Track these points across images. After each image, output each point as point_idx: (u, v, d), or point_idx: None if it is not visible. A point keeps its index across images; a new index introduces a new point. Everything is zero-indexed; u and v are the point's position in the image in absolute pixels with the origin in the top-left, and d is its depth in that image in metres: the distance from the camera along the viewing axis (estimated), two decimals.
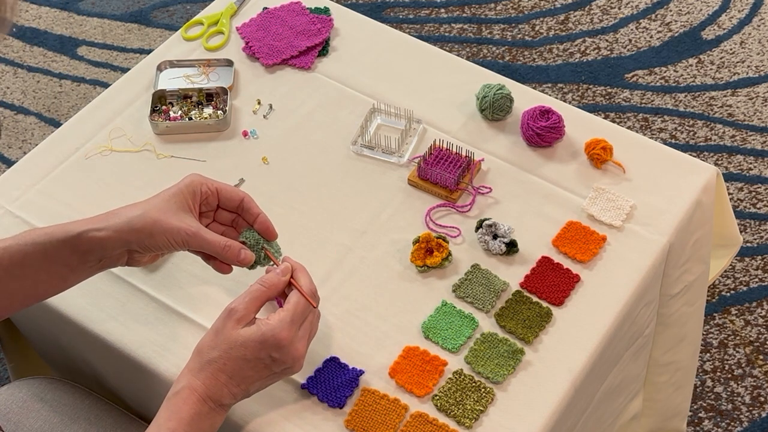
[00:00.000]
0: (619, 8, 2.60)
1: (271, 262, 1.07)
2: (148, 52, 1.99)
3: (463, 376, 1.10)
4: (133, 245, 1.03)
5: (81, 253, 1.03)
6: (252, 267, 1.07)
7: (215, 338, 0.99)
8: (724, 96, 2.36)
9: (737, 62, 2.43)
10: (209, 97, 1.41)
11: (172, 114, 1.38)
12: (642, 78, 2.42)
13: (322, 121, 1.38)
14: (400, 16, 2.63)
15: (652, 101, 2.36)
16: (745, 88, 2.38)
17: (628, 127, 2.26)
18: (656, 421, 1.53)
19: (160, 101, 1.40)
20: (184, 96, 1.40)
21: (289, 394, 1.11)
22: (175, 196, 1.04)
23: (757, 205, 2.14)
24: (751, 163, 2.22)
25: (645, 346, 1.33)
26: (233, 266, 1.07)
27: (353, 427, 1.07)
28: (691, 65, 2.44)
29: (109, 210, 1.06)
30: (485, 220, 1.22)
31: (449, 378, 1.11)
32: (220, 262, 1.06)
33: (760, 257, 2.05)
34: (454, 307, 1.16)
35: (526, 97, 1.37)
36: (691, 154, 1.53)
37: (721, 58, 2.45)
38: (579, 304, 1.17)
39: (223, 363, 0.98)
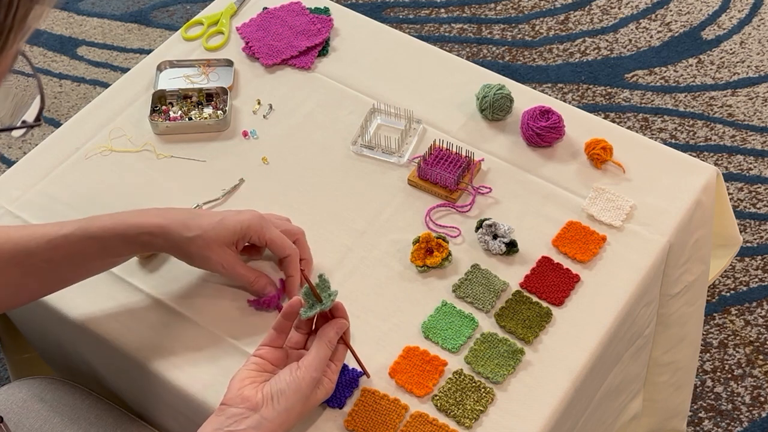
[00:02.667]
0: (619, 8, 2.60)
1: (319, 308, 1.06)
2: (148, 52, 1.99)
3: (463, 376, 1.10)
4: (177, 256, 1.14)
5: (138, 246, 1.12)
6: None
7: (306, 404, 1.01)
8: (724, 96, 2.36)
9: (737, 62, 2.43)
10: (209, 97, 1.41)
11: (172, 114, 1.38)
12: (642, 78, 2.42)
13: (322, 121, 1.38)
14: (400, 16, 2.63)
15: (652, 101, 2.36)
16: (745, 88, 2.38)
17: (628, 127, 2.26)
18: (656, 421, 1.53)
19: (160, 101, 1.40)
20: (184, 96, 1.40)
21: None
22: (229, 231, 1.11)
23: (757, 205, 2.14)
24: (751, 163, 2.22)
25: (645, 346, 1.33)
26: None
27: (353, 427, 1.07)
28: (691, 65, 2.44)
29: (161, 208, 1.14)
30: (485, 220, 1.21)
31: (449, 378, 1.11)
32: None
33: (760, 257, 2.05)
34: (454, 307, 1.16)
35: (526, 97, 1.37)
36: (691, 154, 1.53)
37: (721, 58, 2.45)
38: (579, 304, 1.16)
39: (297, 421, 1.03)
